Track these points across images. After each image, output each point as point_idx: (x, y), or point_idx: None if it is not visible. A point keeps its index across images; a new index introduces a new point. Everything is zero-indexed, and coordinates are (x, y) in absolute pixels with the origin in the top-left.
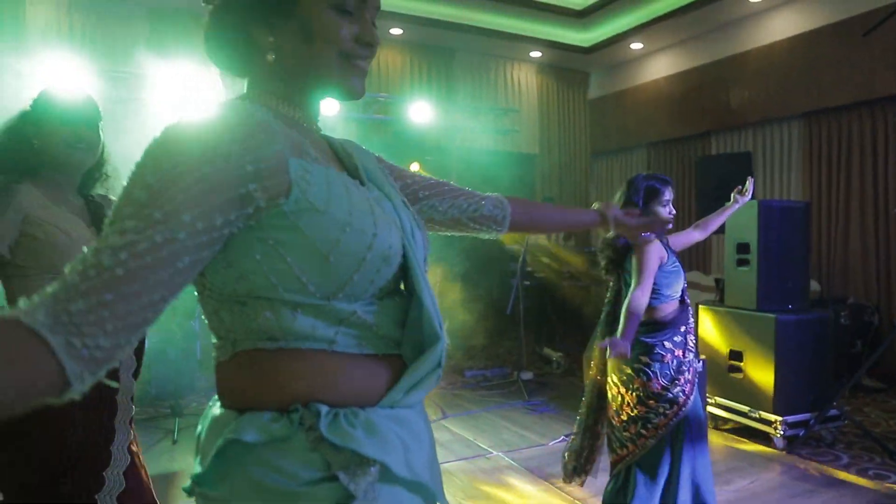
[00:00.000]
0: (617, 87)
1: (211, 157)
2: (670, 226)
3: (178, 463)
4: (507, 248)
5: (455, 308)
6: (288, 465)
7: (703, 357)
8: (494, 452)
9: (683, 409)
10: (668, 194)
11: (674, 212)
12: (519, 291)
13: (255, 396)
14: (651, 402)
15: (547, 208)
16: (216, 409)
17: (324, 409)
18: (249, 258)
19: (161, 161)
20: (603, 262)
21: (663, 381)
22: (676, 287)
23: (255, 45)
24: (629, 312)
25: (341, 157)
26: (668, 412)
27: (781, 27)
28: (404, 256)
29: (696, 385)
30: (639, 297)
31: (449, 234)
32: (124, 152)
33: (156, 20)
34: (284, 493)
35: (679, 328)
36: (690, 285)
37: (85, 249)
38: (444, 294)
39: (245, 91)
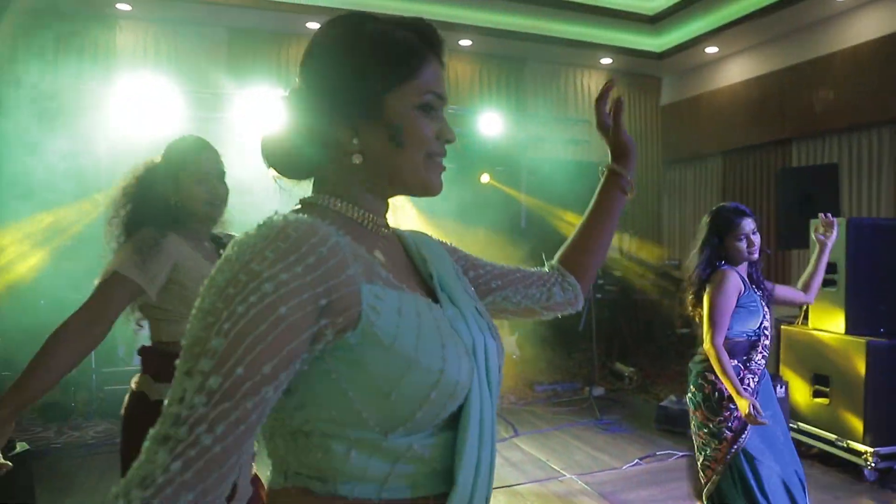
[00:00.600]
0: (690, 92)
1: (285, 295)
2: (755, 255)
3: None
4: None
5: (524, 320)
6: None
7: (785, 380)
8: (567, 475)
9: (733, 446)
10: (748, 226)
11: (757, 242)
12: (591, 305)
13: None
14: (701, 432)
15: (587, 230)
16: None
17: None
18: (310, 388)
19: (234, 301)
20: (689, 298)
21: (707, 413)
22: (750, 324)
23: (335, 146)
24: (718, 365)
25: (416, 262)
26: (718, 447)
27: (869, 27)
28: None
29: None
30: (717, 344)
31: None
32: None
33: (235, 40)
34: None
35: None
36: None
37: (166, 408)
38: None
39: (312, 194)
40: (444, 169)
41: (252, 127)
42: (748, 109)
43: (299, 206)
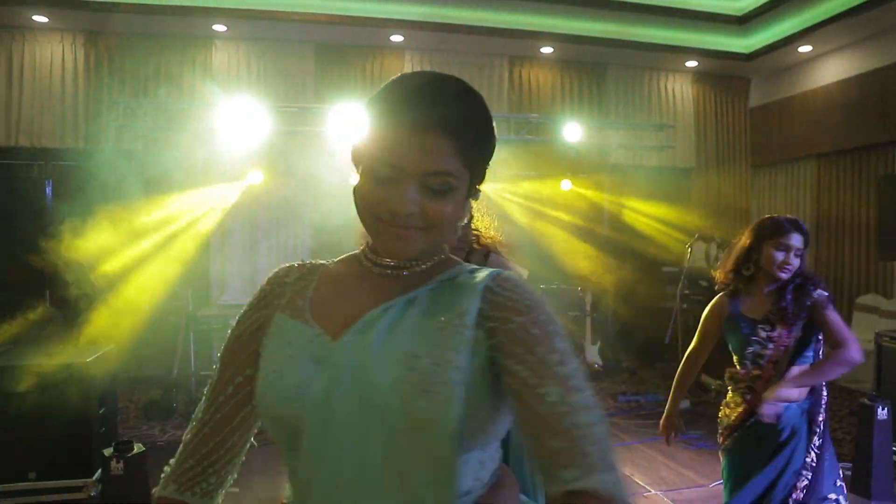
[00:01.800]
0: (781, 94)
1: (242, 316)
2: (784, 276)
3: None
4: (664, 270)
5: (607, 329)
6: None
7: (887, 401)
8: (653, 491)
9: None
10: (794, 240)
11: (793, 263)
12: (677, 316)
13: None
14: None
15: None
16: None
17: None
18: None
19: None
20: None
21: None
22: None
23: None
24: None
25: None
26: None
27: None
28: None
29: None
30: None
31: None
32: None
33: (322, 56)
34: None
35: None
36: (865, 309)
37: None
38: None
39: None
40: (403, 235)
41: (341, 139)
42: (845, 111)
43: None
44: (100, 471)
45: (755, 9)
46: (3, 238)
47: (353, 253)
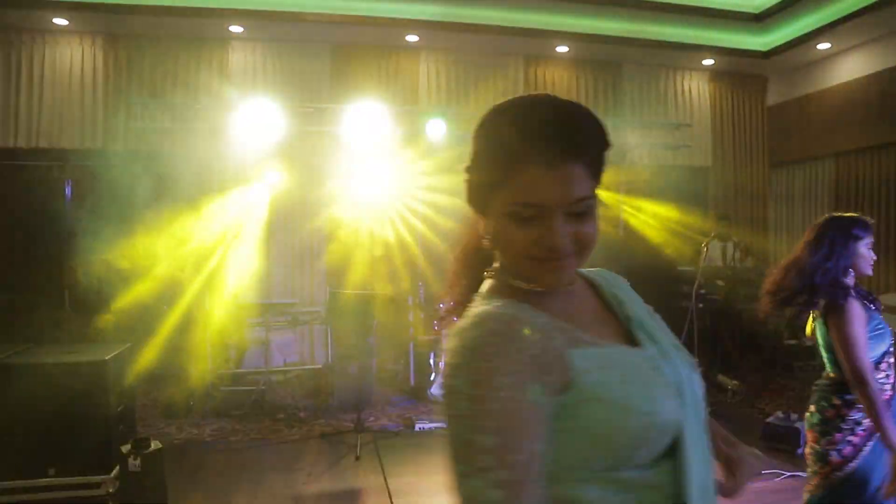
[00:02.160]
0: (800, 91)
1: (509, 384)
2: (870, 271)
3: (360, 480)
4: (680, 269)
5: None
6: None
7: None
8: None
9: (836, 472)
10: (870, 238)
11: (874, 256)
12: (693, 315)
13: None
14: (807, 451)
15: None
16: None
17: None
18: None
19: (478, 411)
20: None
21: (818, 434)
22: (876, 350)
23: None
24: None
25: (611, 305)
26: (818, 471)
27: None
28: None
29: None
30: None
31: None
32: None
33: (338, 56)
34: None
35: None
36: (888, 310)
37: None
38: None
39: (498, 271)
40: (561, 266)
41: (357, 139)
42: (865, 108)
43: (487, 279)
44: (117, 468)
45: (773, 6)
46: (23, 238)
47: (511, 301)
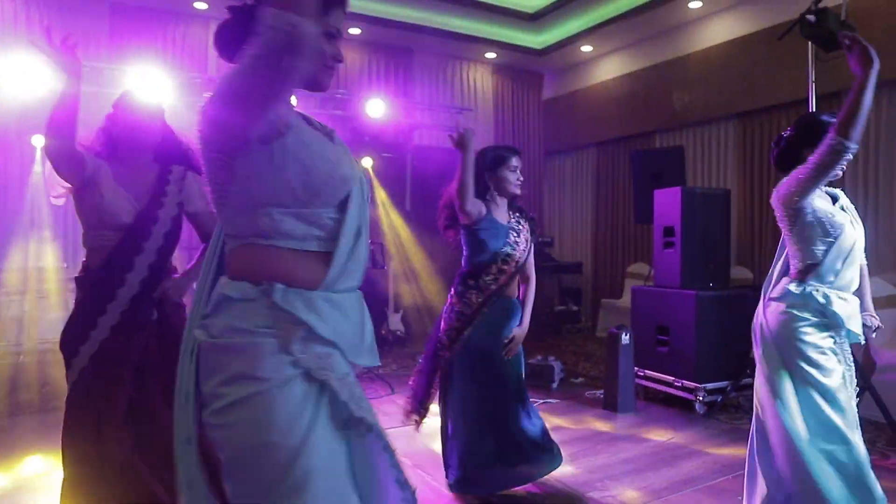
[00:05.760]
0: (569, 88)
1: None
2: (518, 191)
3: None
4: None
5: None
6: (251, 317)
7: (629, 329)
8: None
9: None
10: (516, 161)
11: (521, 178)
12: None
13: (243, 273)
14: None
15: None
16: (223, 278)
17: (280, 286)
18: (261, 174)
19: None
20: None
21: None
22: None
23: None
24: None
25: (319, 129)
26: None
27: (719, 32)
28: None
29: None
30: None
31: None
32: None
33: (117, 16)
34: (244, 332)
35: None
36: (635, 276)
37: None
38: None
39: None
40: (331, 79)
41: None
42: (619, 104)
43: None
44: None
45: (545, 7)
46: None
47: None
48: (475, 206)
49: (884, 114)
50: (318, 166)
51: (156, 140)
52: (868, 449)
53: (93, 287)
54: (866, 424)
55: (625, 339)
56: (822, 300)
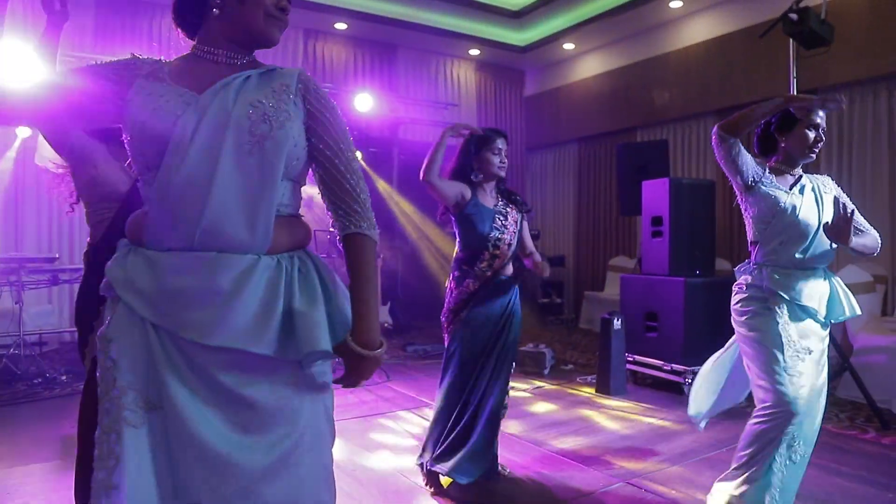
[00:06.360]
0: (550, 84)
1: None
2: (502, 173)
3: None
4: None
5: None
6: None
7: (621, 314)
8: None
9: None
10: (501, 144)
11: (505, 161)
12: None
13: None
14: None
15: None
16: None
17: (123, 241)
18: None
19: None
20: None
21: None
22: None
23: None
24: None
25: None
26: None
27: (698, 32)
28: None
29: None
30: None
31: None
32: None
33: (102, 7)
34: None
35: None
36: (616, 269)
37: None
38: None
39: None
40: (282, 26)
41: None
42: (600, 101)
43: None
44: None
45: (529, 5)
46: None
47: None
48: (441, 183)
49: (856, 110)
50: (139, 128)
51: None
52: (847, 426)
53: (94, 261)
54: (846, 405)
55: (617, 324)
56: (757, 274)
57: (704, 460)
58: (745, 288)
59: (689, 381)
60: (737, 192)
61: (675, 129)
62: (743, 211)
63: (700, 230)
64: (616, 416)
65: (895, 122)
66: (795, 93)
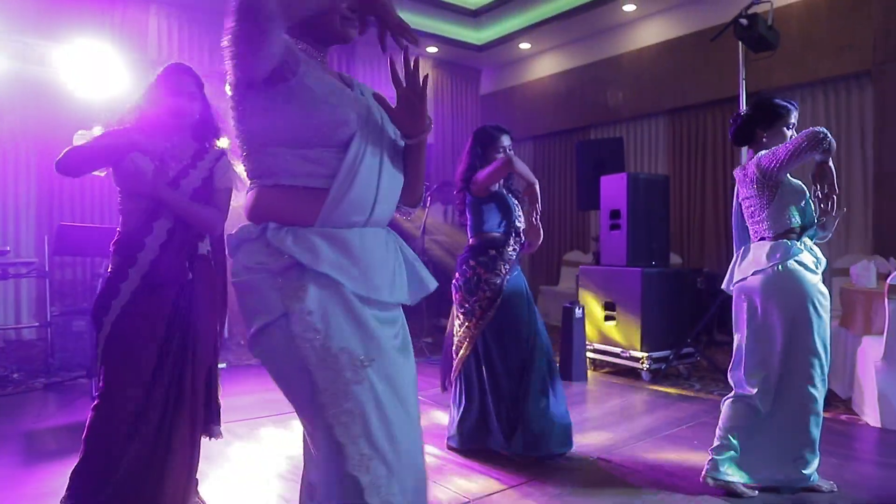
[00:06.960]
0: (507, 83)
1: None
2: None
3: None
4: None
5: None
6: (254, 256)
7: (582, 304)
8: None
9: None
10: (506, 141)
11: (511, 154)
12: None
13: (250, 215)
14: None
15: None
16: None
17: (273, 224)
18: (265, 113)
19: None
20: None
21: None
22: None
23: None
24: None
25: (336, 76)
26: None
27: (651, 34)
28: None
29: None
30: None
31: None
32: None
33: None
34: (249, 270)
35: None
36: (570, 263)
37: None
38: None
39: None
40: (356, 27)
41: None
42: (555, 100)
43: None
44: None
45: (486, 4)
46: None
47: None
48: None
49: (821, 109)
50: (320, 109)
51: (194, 120)
52: None
53: (118, 252)
54: None
55: (578, 313)
56: (816, 251)
57: (666, 437)
58: (807, 263)
59: (647, 366)
60: (768, 181)
61: (628, 127)
62: (768, 201)
63: (656, 223)
64: (579, 399)
65: (831, 123)
66: (744, 93)
